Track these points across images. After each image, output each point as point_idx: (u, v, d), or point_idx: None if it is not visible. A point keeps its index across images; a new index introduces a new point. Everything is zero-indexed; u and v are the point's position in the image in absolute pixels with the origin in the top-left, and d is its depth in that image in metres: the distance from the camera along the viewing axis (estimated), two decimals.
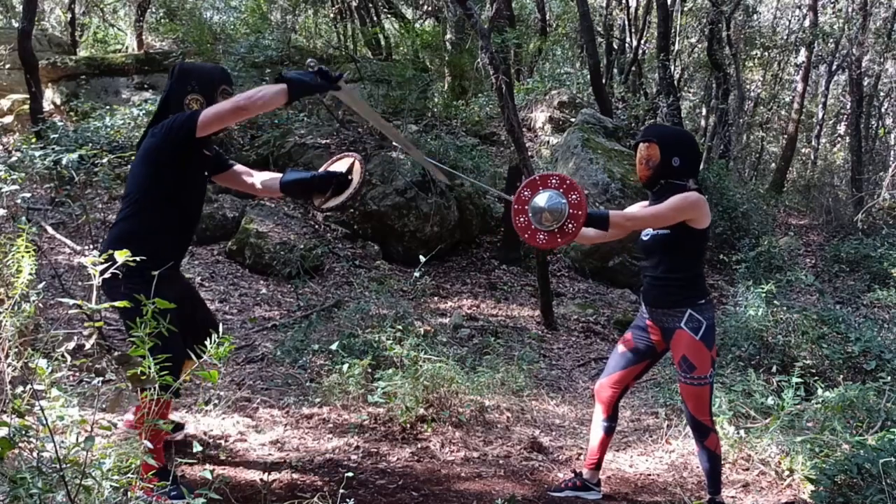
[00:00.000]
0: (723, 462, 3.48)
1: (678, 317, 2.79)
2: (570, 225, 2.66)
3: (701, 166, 11.20)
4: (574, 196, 2.67)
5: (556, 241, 2.72)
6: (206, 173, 2.83)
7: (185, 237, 2.79)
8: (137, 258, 2.14)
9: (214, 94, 2.65)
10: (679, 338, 2.78)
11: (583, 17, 10.63)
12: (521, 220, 2.78)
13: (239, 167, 2.94)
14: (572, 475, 3.16)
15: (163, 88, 2.76)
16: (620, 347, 3.02)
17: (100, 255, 2.14)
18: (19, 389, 2.35)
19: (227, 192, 7.50)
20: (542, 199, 2.71)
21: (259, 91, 2.47)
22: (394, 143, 8.15)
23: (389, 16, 13.38)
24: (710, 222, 2.81)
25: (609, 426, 3.06)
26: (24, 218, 5.23)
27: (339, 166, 2.85)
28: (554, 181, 2.72)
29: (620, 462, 3.64)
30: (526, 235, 2.77)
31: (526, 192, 2.77)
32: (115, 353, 4.10)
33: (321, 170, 2.87)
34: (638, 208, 3.02)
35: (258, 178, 2.92)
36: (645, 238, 2.89)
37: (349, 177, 2.78)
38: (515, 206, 2.78)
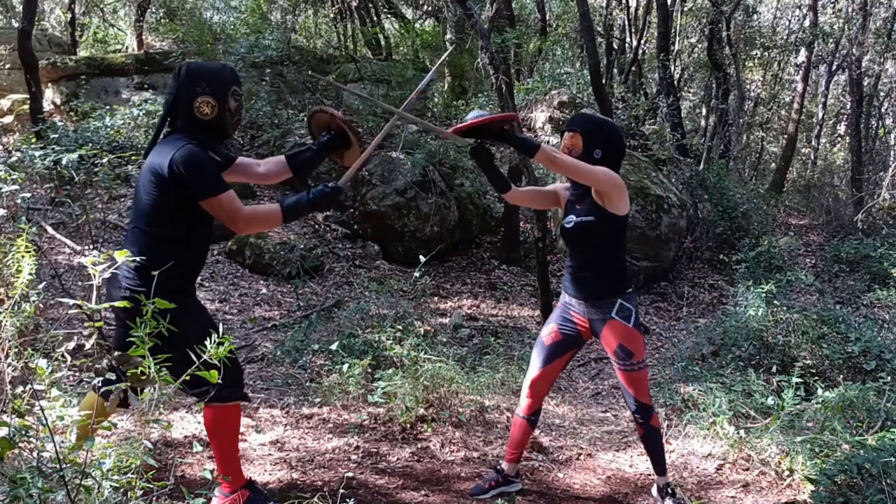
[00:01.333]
0: (723, 462, 3.50)
1: (608, 307, 2.82)
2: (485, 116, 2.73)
3: (701, 166, 11.24)
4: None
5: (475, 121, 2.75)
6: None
7: (203, 252, 2.74)
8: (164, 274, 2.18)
9: (226, 94, 2.52)
10: (612, 328, 2.82)
11: (583, 17, 10.61)
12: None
13: (242, 159, 2.86)
14: (493, 472, 3.15)
15: (166, 89, 2.65)
16: (547, 339, 2.99)
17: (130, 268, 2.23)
18: (19, 389, 2.35)
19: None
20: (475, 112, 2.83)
21: (260, 214, 2.57)
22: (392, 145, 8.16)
23: (389, 16, 13.39)
24: (629, 212, 2.84)
25: (534, 419, 3.08)
26: (24, 218, 5.23)
27: (319, 125, 2.82)
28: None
29: (620, 462, 3.64)
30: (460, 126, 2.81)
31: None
32: (115, 353, 4.09)
33: (314, 138, 2.85)
34: (562, 187, 3.04)
35: (265, 165, 2.86)
36: (568, 225, 2.87)
37: (343, 133, 2.76)
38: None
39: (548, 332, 3.01)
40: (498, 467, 3.16)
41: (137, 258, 2.29)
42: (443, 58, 3.28)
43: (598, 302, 2.85)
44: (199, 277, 6.30)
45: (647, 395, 2.93)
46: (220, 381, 1.99)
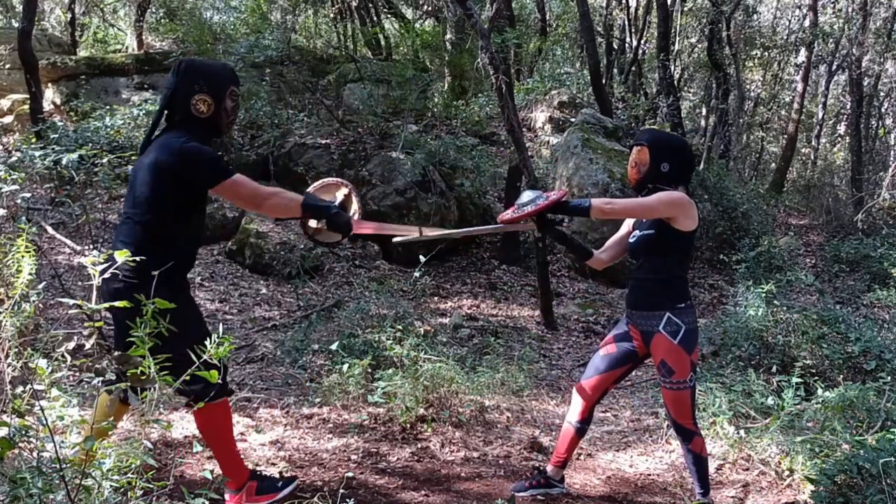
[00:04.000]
0: (723, 462, 3.50)
1: (656, 320, 2.78)
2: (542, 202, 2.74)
3: (701, 166, 11.23)
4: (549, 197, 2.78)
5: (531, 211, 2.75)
6: None
7: (193, 247, 2.73)
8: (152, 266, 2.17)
9: (224, 94, 2.53)
10: (658, 342, 2.78)
11: (583, 17, 10.63)
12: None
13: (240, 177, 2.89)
14: (536, 472, 3.15)
15: (164, 85, 2.61)
16: (603, 350, 3.00)
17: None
18: (19, 389, 2.35)
19: None
20: (525, 197, 2.82)
21: (284, 200, 2.54)
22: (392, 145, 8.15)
23: (389, 16, 13.38)
24: (696, 227, 2.80)
25: (582, 427, 3.05)
26: (24, 218, 5.23)
27: (329, 194, 2.76)
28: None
29: (620, 462, 3.64)
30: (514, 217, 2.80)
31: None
32: (115, 353, 4.09)
33: (311, 192, 2.78)
34: (625, 225, 3.06)
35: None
36: (632, 240, 2.91)
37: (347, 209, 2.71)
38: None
39: (605, 342, 3.03)
40: (542, 468, 3.16)
41: (129, 251, 2.27)
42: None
43: (646, 313, 2.83)
44: (199, 277, 6.34)
45: (687, 418, 2.81)
46: (207, 380, 2.01)
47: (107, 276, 2.40)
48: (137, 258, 2.23)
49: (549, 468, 3.11)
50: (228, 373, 3.34)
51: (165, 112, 2.56)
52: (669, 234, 2.75)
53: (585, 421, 3.03)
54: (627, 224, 3.05)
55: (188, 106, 2.48)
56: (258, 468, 2.96)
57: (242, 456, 3.26)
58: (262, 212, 2.63)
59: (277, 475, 2.90)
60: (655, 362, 2.83)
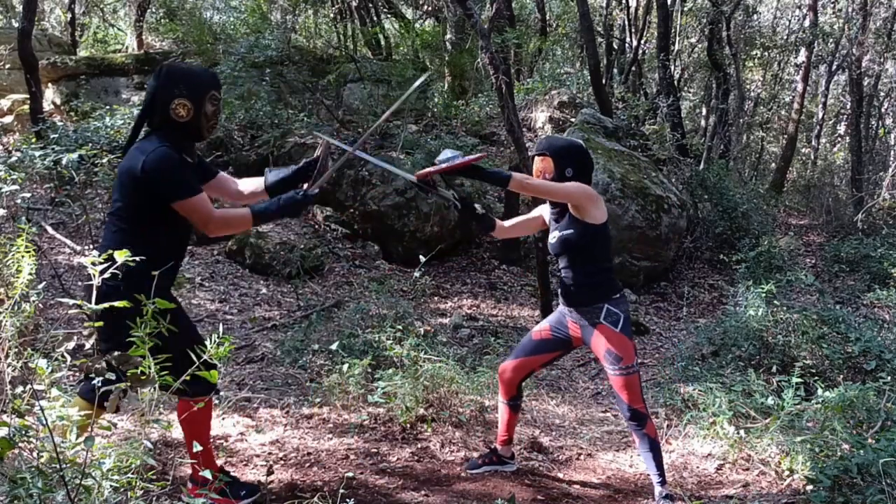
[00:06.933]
0: (723, 462, 3.50)
1: (597, 312, 2.94)
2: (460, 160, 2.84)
3: (701, 166, 11.23)
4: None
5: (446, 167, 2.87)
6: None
7: (179, 250, 2.72)
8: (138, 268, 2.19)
9: (203, 99, 2.53)
10: (600, 333, 2.93)
11: (583, 17, 10.62)
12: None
13: (223, 175, 2.88)
14: (488, 451, 3.37)
15: (146, 89, 2.62)
16: (535, 335, 3.17)
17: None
18: (19, 389, 2.35)
19: None
20: (443, 155, 2.95)
21: (229, 220, 2.58)
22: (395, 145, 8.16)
23: (389, 16, 13.38)
24: (606, 219, 2.97)
25: (515, 404, 3.25)
26: (24, 218, 5.24)
27: (317, 152, 2.87)
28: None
29: (620, 462, 3.64)
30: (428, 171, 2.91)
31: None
32: (115, 353, 4.09)
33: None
34: (543, 209, 3.19)
35: (242, 184, 2.90)
36: (553, 241, 3.05)
37: (326, 160, 2.79)
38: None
39: (539, 328, 3.19)
40: (492, 447, 3.36)
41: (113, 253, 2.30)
42: (413, 86, 3.38)
43: (586, 309, 2.98)
44: (200, 277, 6.34)
45: (640, 402, 2.96)
46: (188, 378, 2.07)
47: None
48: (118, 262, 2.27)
49: (499, 447, 3.32)
50: (221, 373, 3.37)
51: (147, 118, 2.57)
52: (586, 230, 2.93)
53: (515, 398, 3.23)
54: (538, 210, 3.22)
55: (167, 110, 2.50)
56: (228, 469, 2.95)
57: (243, 456, 3.27)
58: (214, 233, 2.62)
59: (249, 480, 2.90)
60: (599, 354, 2.98)
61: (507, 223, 3.24)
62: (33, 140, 6.84)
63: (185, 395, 2.49)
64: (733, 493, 3.22)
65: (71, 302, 2.04)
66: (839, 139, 18.25)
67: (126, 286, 2.26)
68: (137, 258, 2.25)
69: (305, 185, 2.75)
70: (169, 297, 2.59)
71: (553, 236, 3.05)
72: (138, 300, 2.09)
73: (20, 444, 1.70)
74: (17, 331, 3.22)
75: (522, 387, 3.28)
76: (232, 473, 2.89)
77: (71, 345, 3.90)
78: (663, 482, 3.02)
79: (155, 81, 2.54)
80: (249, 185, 2.89)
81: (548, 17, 14.55)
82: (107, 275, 2.34)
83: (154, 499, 2.39)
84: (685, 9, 15.03)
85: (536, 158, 3.02)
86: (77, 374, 3.66)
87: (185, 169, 2.52)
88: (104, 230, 2.62)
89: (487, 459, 3.31)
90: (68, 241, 6.34)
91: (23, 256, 3.50)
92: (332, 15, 12.18)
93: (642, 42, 14.35)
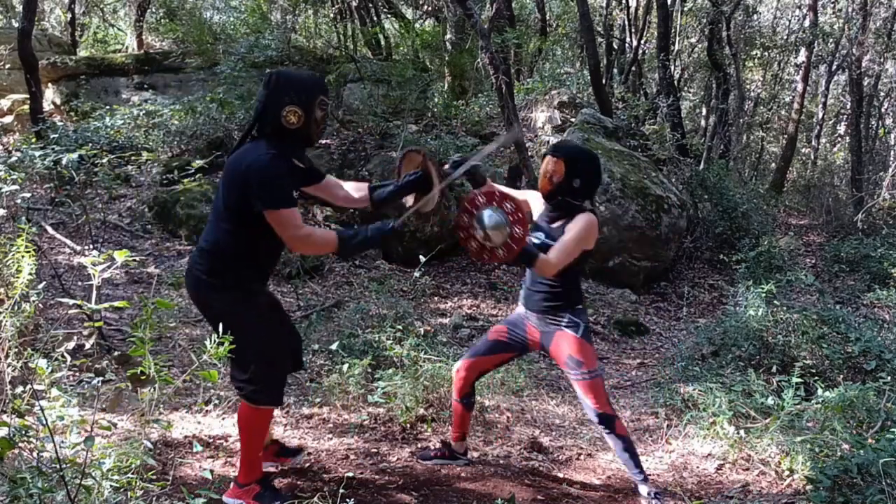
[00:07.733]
0: (723, 462, 3.50)
1: (559, 320, 2.94)
2: (517, 230, 2.58)
3: (701, 166, 11.23)
4: (509, 205, 2.62)
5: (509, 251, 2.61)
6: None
7: (272, 254, 2.76)
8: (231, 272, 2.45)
9: (313, 105, 2.56)
10: (561, 338, 2.93)
11: (583, 17, 10.62)
12: (473, 245, 2.68)
13: (330, 178, 2.91)
14: (440, 445, 3.39)
15: (256, 97, 2.66)
16: (492, 335, 3.14)
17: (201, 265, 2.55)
18: (19, 389, 2.35)
19: None
20: (485, 217, 2.61)
21: (315, 240, 2.63)
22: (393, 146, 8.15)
23: (389, 16, 13.37)
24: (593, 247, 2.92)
25: (468, 402, 3.24)
26: (24, 218, 5.24)
27: (412, 164, 2.81)
28: (481, 199, 2.66)
29: (620, 462, 3.63)
30: (484, 257, 2.69)
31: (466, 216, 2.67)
32: (115, 353, 4.10)
33: (399, 175, 2.82)
34: (534, 197, 3.07)
35: (348, 187, 2.91)
36: (536, 241, 2.95)
37: (427, 176, 2.74)
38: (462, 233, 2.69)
39: (497, 329, 3.17)
40: (446, 440, 3.38)
41: (208, 255, 2.55)
42: (496, 143, 3.38)
43: (548, 317, 2.97)
44: None
45: (605, 404, 2.97)
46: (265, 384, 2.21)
47: (189, 265, 2.64)
48: (211, 255, 2.53)
49: (452, 442, 3.34)
50: (221, 373, 3.45)
51: (258, 125, 2.60)
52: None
53: (468, 395, 3.22)
54: (528, 195, 3.10)
55: (279, 118, 2.52)
56: (271, 475, 2.97)
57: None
58: (297, 250, 2.71)
59: (283, 489, 2.92)
60: (561, 360, 2.96)
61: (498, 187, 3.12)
62: (33, 140, 6.85)
63: (252, 401, 2.58)
64: (733, 494, 3.22)
65: (71, 302, 2.04)
66: (839, 139, 18.24)
67: (214, 286, 2.49)
68: (231, 255, 2.49)
69: (410, 201, 2.77)
70: (258, 301, 2.68)
71: (538, 236, 2.92)
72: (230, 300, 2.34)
73: (20, 444, 1.70)
74: (17, 331, 3.22)
75: (475, 386, 3.26)
76: (273, 480, 2.90)
77: (71, 345, 3.90)
78: (645, 479, 3.03)
79: (265, 89, 2.57)
80: (355, 191, 2.91)
81: (548, 17, 14.55)
82: (199, 263, 2.58)
83: (154, 499, 2.39)
84: (685, 9, 15.02)
85: (549, 158, 2.89)
86: (77, 374, 3.66)
87: (286, 180, 2.53)
88: (206, 228, 2.67)
89: (439, 452, 3.34)
90: (68, 241, 6.33)
91: (23, 256, 3.50)
92: (332, 15, 12.17)
93: (642, 42, 14.35)
